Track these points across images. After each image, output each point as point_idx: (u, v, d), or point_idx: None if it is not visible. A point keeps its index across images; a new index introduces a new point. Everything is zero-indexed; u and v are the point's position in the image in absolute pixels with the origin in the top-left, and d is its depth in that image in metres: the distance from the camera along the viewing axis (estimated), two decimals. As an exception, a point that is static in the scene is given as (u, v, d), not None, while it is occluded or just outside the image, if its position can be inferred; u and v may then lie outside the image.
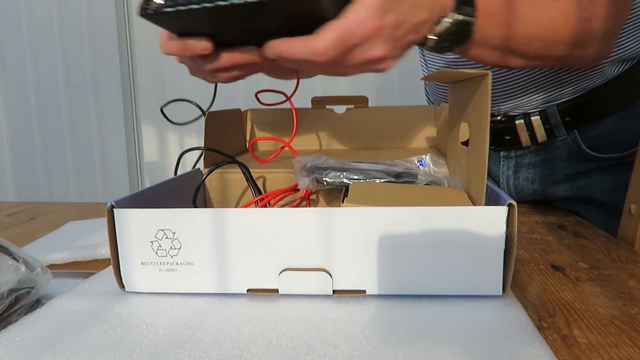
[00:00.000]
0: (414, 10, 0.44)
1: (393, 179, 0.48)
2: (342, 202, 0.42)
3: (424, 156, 0.55)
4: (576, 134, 0.68)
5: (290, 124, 0.77)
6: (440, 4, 0.46)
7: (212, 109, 0.63)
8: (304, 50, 0.41)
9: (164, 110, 0.59)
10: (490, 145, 0.74)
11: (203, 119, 0.59)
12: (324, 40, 0.40)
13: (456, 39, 0.48)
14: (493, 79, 0.67)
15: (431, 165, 0.54)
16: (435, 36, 0.47)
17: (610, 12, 0.52)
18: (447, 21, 0.46)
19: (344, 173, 0.49)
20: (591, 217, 0.67)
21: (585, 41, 0.53)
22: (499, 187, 0.77)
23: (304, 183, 0.49)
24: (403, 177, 0.48)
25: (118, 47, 1.85)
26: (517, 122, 0.70)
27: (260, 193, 0.55)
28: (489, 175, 0.79)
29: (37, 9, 1.87)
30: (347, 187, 0.46)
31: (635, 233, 0.54)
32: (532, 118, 0.69)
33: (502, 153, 0.75)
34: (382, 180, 0.48)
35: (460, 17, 0.47)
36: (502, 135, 0.72)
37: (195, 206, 0.52)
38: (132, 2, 1.85)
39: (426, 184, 0.48)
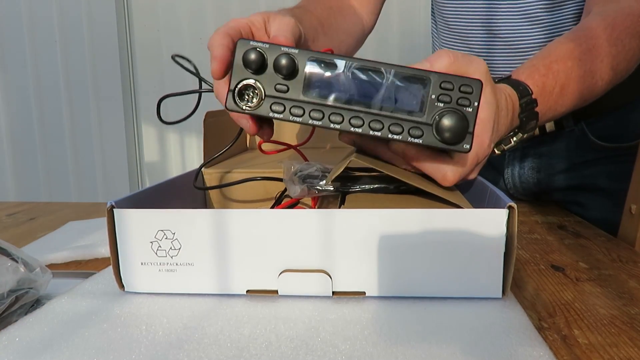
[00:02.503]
0: (497, 139, 0.46)
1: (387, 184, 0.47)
2: (339, 208, 0.42)
3: None
4: (583, 125, 0.69)
5: (290, 125, 0.77)
6: (512, 125, 0.49)
7: (212, 109, 0.63)
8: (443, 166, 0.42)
9: (162, 109, 0.56)
10: None
11: (200, 122, 0.58)
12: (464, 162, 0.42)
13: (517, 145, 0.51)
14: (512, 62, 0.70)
15: None
16: (500, 152, 0.50)
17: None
18: (514, 140, 0.50)
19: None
20: (594, 205, 0.68)
21: (614, 84, 0.58)
22: (503, 177, 0.78)
23: (295, 191, 0.48)
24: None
25: (118, 47, 1.85)
26: None
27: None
28: (492, 165, 0.79)
29: (38, 9, 1.87)
30: (343, 196, 0.46)
31: (636, 233, 0.54)
32: None
33: None
34: (375, 186, 0.47)
35: (526, 135, 0.50)
36: None
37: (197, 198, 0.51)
38: (132, 2, 1.85)
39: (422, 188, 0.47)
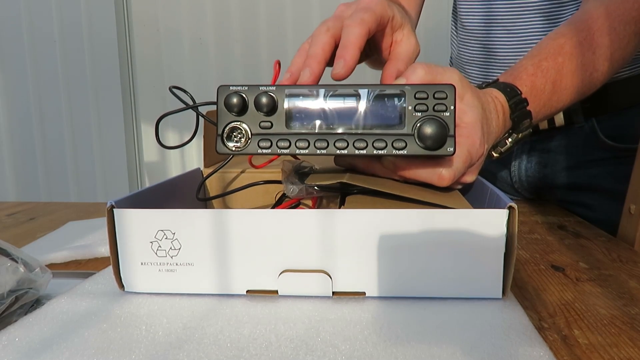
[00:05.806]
0: (491, 141, 0.48)
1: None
2: (339, 208, 0.42)
3: None
4: (594, 122, 0.69)
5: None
6: (505, 127, 0.50)
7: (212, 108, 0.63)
8: (431, 171, 0.43)
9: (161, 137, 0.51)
10: None
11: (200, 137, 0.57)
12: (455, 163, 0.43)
13: (514, 146, 0.53)
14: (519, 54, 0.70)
15: None
16: (497, 154, 0.53)
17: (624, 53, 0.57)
18: (509, 141, 0.51)
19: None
20: (600, 207, 0.67)
21: (613, 74, 0.58)
22: (510, 170, 0.78)
23: (293, 191, 0.48)
24: None
25: (117, 47, 1.85)
26: None
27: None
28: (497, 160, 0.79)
29: (37, 9, 1.87)
30: (343, 196, 0.46)
31: (635, 233, 0.54)
32: None
33: None
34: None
35: (520, 135, 0.51)
36: None
37: (199, 204, 0.51)
38: (132, 2, 1.85)
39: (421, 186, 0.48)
